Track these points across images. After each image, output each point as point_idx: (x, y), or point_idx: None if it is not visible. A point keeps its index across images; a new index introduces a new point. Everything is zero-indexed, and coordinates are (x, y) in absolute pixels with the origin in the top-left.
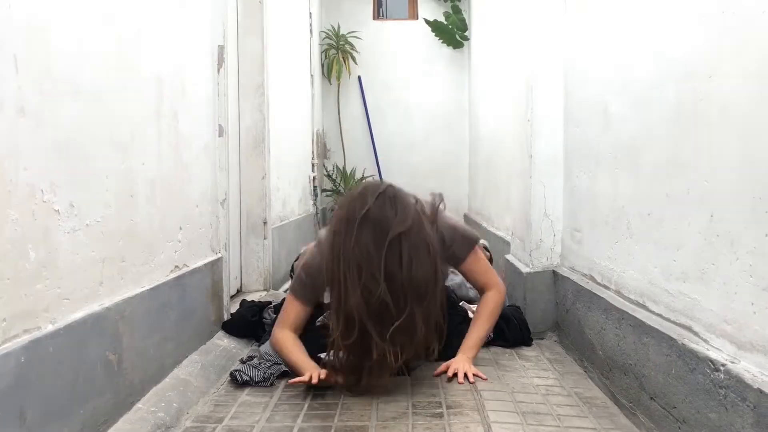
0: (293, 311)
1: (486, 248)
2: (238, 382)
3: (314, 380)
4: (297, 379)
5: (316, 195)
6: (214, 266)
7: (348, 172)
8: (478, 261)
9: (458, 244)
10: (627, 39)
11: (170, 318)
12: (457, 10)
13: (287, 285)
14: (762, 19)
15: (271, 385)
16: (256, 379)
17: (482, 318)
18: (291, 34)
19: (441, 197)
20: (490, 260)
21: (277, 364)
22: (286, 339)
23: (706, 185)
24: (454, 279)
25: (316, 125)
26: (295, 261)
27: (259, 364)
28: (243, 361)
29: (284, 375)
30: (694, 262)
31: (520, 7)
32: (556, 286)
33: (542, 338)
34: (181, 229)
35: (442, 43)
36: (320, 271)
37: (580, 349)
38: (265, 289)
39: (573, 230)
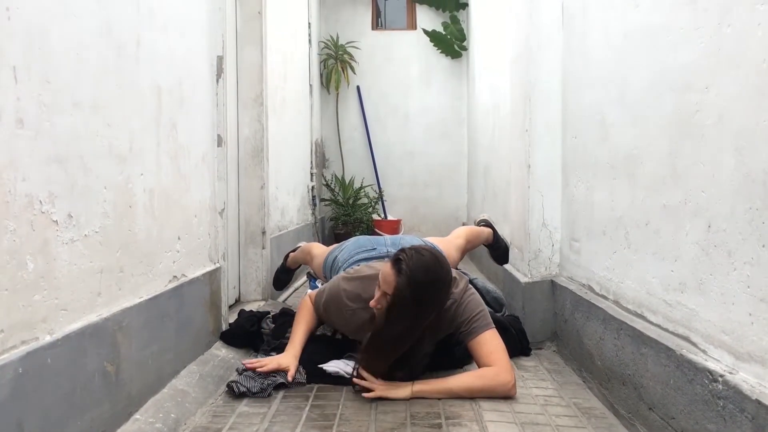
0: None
1: (488, 223)
2: (235, 394)
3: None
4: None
5: (314, 204)
6: (213, 276)
7: (347, 182)
8: (495, 338)
9: (478, 322)
10: (624, 49)
11: (168, 328)
12: (455, 21)
13: (286, 295)
14: (758, 31)
15: (269, 396)
16: (254, 390)
17: (473, 378)
18: (290, 44)
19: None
20: (494, 233)
21: (274, 376)
22: (306, 311)
23: (703, 196)
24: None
25: (315, 135)
26: (291, 251)
27: (257, 375)
28: (240, 372)
29: (281, 386)
30: (692, 272)
31: (518, 17)
32: (555, 295)
33: (541, 348)
34: (179, 239)
35: (441, 53)
36: (342, 311)
37: (579, 360)
38: (263, 299)
39: (571, 240)
